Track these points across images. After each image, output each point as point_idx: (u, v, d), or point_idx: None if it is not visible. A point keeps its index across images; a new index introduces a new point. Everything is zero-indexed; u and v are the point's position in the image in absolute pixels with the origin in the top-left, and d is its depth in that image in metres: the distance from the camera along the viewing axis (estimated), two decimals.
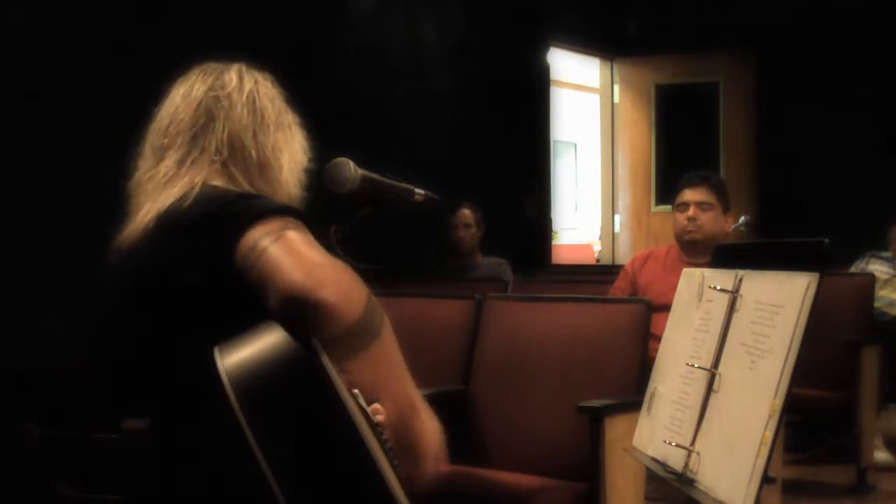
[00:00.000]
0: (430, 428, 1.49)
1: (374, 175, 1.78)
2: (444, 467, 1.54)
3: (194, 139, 1.63)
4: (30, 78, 4.25)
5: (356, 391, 1.43)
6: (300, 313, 1.30)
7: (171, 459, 1.50)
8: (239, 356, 1.28)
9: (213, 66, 1.71)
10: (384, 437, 1.46)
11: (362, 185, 1.76)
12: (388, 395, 1.44)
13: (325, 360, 1.29)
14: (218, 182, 1.59)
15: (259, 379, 1.26)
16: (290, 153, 1.69)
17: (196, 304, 1.46)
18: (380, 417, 1.46)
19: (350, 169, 1.73)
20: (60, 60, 4.35)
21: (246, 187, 1.61)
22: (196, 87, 1.67)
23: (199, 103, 1.65)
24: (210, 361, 1.28)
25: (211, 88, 1.66)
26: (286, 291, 1.31)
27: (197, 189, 1.57)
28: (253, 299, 1.35)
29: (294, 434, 1.24)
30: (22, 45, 4.24)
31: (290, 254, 1.36)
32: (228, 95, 1.65)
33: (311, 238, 1.43)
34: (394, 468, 1.38)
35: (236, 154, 1.63)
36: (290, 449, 1.23)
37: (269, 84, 1.73)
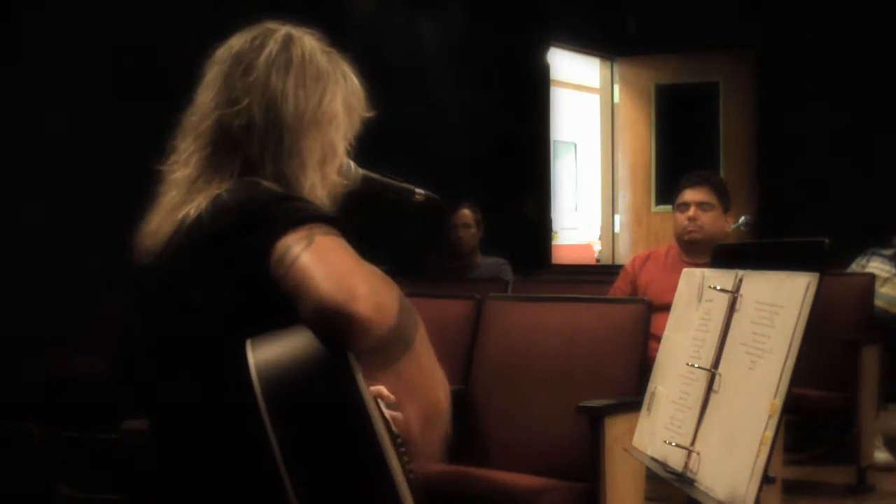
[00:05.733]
0: (446, 410, 1.47)
1: (374, 175, 1.78)
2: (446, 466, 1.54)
3: (225, 129, 1.54)
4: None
5: (379, 398, 1.43)
6: (333, 326, 1.27)
7: (178, 459, 1.50)
8: (269, 353, 1.27)
9: (249, 41, 1.57)
10: (403, 449, 1.46)
11: (362, 185, 1.75)
12: (418, 401, 1.43)
13: (355, 364, 1.28)
14: (252, 177, 1.52)
15: (286, 378, 1.25)
16: (321, 148, 1.57)
17: (229, 307, 1.43)
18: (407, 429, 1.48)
19: (350, 169, 1.73)
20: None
21: (285, 184, 1.53)
22: (226, 68, 1.56)
23: (243, 90, 1.54)
24: (238, 365, 1.27)
25: (245, 72, 1.54)
26: (318, 304, 1.28)
27: (228, 187, 1.50)
28: (287, 306, 1.33)
29: (314, 438, 1.24)
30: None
31: (322, 262, 1.32)
32: (266, 85, 1.53)
33: (344, 244, 1.38)
34: (407, 476, 1.38)
35: (268, 147, 1.53)
36: (308, 450, 1.23)
37: (314, 63, 1.57)
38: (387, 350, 1.34)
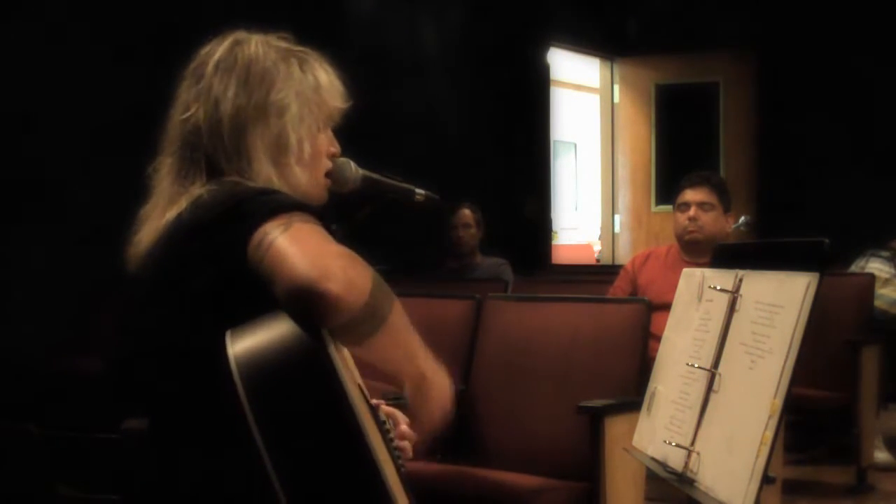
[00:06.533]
0: (441, 387, 1.54)
1: (374, 175, 1.78)
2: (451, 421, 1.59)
3: (183, 136, 1.60)
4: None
5: (362, 383, 1.45)
6: (305, 304, 1.31)
7: (174, 458, 1.50)
8: (248, 343, 1.29)
9: (205, 52, 1.64)
10: (390, 435, 1.47)
11: (363, 185, 1.75)
12: (401, 373, 1.49)
13: (333, 351, 1.30)
14: (232, 178, 1.57)
15: (266, 367, 1.27)
16: (269, 143, 1.60)
17: (212, 300, 1.46)
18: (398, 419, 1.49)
19: (351, 169, 1.73)
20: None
21: (257, 182, 1.57)
22: (187, 79, 1.63)
23: (194, 96, 1.61)
24: (219, 358, 1.28)
25: (197, 80, 1.61)
26: (291, 282, 1.32)
27: (209, 188, 1.55)
28: (267, 295, 1.36)
29: (295, 426, 1.25)
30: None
31: (296, 244, 1.36)
32: (210, 89, 1.59)
33: (320, 229, 1.42)
34: (397, 466, 1.39)
35: (216, 147, 1.58)
36: (290, 440, 1.24)
37: (260, 63, 1.61)
38: (359, 327, 1.37)
